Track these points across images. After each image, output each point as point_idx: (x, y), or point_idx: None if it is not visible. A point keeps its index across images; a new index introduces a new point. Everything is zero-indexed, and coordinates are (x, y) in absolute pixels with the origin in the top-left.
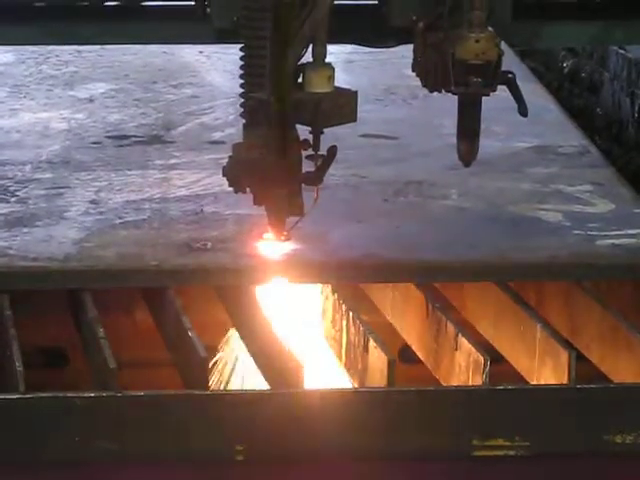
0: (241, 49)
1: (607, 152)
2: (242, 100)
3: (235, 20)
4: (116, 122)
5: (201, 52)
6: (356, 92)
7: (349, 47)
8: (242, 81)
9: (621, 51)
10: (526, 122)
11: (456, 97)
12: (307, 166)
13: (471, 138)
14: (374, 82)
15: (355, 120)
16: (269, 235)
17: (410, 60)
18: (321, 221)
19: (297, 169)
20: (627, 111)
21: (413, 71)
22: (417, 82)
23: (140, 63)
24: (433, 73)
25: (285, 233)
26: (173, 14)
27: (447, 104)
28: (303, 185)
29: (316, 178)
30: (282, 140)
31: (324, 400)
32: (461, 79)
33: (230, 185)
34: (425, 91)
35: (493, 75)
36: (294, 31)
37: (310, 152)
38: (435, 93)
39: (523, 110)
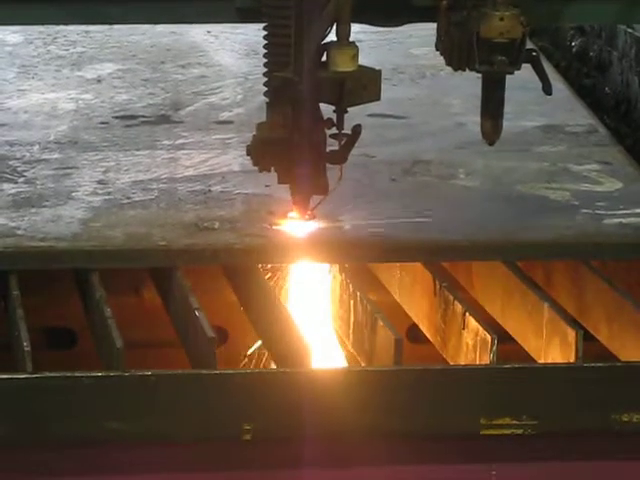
0: (264, 28)
1: (615, 131)
2: (265, 79)
3: None
4: (124, 102)
5: (209, 32)
6: (380, 71)
7: (356, 27)
8: (265, 60)
9: (629, 30)
10: (534, 101)
11: (464, 76)
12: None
13: (495, 117)
14: (382, 61)
15: (379, 99)
16: (293, 214)
17: (417, 39)
18: (329, 200)
19: (321, 148)
20: (635, 90)
21: (437, 50)
22: (424, 61)
23: (148, 43)
24: (457, 52)
25: (309, 212)
26: None
27: (455, 83)
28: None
29: (340, 157)
30: (306, 119)
31: (331, 379)
32: (485, 58)
33: (254, 164)
34: (433, 70)
35: (517, 53)
36: (319, 10)
37: (334, 131)
38: (442, 72)
39: (547, 89)
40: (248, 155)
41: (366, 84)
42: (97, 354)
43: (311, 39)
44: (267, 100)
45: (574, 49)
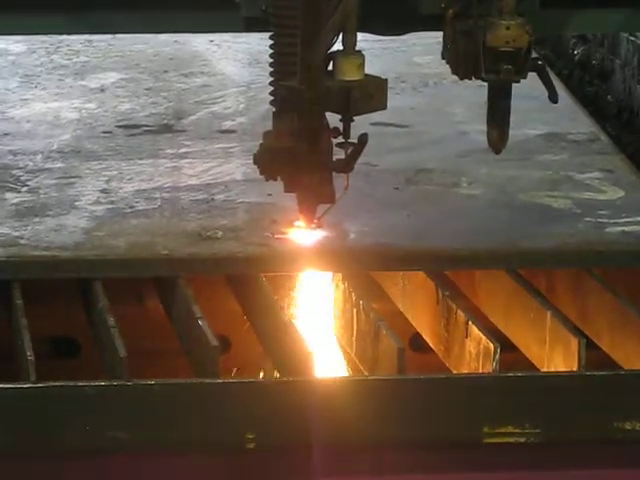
0: (270, 37)
1: (617, 139)
2: (272, 88)
3: (264, 9)
4: (127, 111)
5: (212, 41)
6: (386, 80)
7: (359, 35)
8: (272, 69)
9: (632, 38)
10: (536, 109)
11: (466, 84)
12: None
13: (501, 125)
14: (385, 70)
15: (385, 108)
16: (299, 222)
17: (420, 48)
18: (332, 209)
19: (328, 157)
20: (638, 98)
21: (443, 59)
22: (427, 70)
23: (151, 52)
24: (463, 61)
25: (316, 220)
26: (201, 3)
27: (457, 92)
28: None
29: (347, 166)
30: (313, 128)
31: (334, 388)
32: (492, 66)
33: (261, 173)
34: (435, 79)
35: (523, 62)
36: (325, 19)
37: (340, 140)
38: (445, 81)
39: (553, 97)
40: (255, 164)
41: (372, 93)
42: (100, 363)
43: (317, 48)
44: (273, 109)
45: (576, 57)
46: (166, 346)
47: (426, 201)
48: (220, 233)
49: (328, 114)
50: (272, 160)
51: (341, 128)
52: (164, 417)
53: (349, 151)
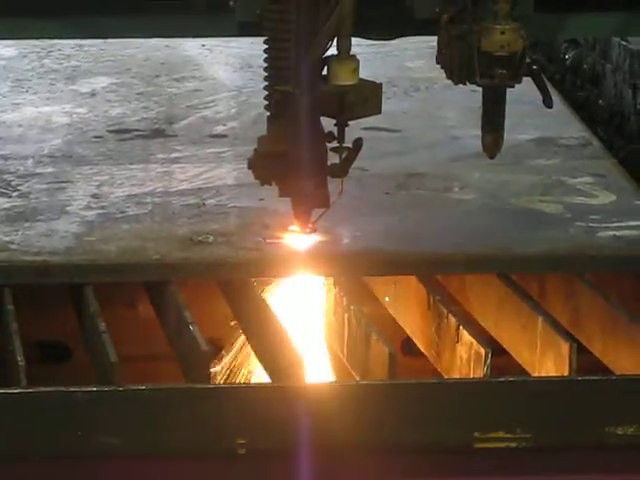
0: (265, 42)
1: (609, 143)
2: (266, 93)
3: (258, 13)
4: (118, 116)
5: (203, 45)
6: (381, 84)
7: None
8: (266, 74)
9: (623, 42)
10: (528, 114)
11: (458, 89)
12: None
13: (496, 130)
14: (376, 74)
15: (380, 112)
16: (294, 227)
17: (412, 52)
18: (323, 214)
19: (322, 161)
20: (629, 102)
21: (437, 63)
22: (419, 74)
23: (142, 57)
24: (458, 65)
25: (310, 225)
26: (195, 7)
27: (449, 96)
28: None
29: (341, 170)
30: (307, 132)
31: (326, 394)
32: (486, 71)
33: (256, 178)
34: (427, 83)
35: (518, 67)
36: (320, 24)
37: (335, 144)
38: (436, 85)
39: (548, 102)
40: (249, 169)
41: (367, 97)
42: (91, 368)
43: (312, 53)
44: (265, 113)
45: (568, 61)
46: (157, 351)
47: (417, 206)
48: (211, 238)
49: (322, 118)
50: (266, 165)
51: (335, 132)
52: (155, 422)
53: (344, 155)
